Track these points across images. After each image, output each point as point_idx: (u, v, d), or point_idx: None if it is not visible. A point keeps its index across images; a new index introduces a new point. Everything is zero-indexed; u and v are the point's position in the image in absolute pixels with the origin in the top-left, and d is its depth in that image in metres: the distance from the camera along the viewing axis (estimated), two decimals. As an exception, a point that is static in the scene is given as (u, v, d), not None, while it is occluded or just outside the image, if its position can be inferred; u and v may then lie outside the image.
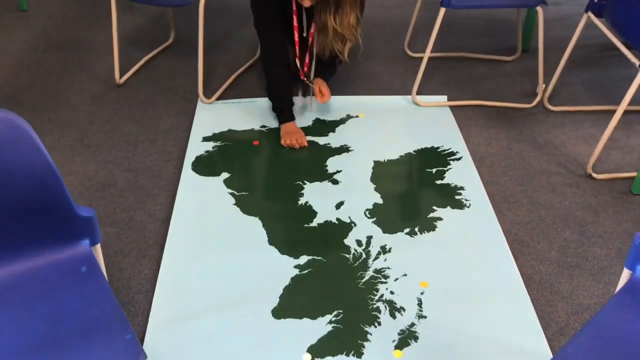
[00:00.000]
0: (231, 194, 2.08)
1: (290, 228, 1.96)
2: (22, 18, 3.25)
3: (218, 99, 2.58)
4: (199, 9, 2.39)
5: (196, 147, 2.30)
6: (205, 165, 2.21)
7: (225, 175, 2.17)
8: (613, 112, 2.14)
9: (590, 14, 2.26)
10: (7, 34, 3.09)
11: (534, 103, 2.54)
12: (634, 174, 2.14)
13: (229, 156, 2.26)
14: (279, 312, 1.67)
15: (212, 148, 2.30)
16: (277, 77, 2.40)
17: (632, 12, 2.04)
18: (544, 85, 2.53)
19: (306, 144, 2.32)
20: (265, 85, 2.46)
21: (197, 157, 2.24)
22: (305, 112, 2.50)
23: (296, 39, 2.37)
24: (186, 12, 3.13)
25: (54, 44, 3.00)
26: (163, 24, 3.11)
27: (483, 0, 2.50)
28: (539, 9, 2.38)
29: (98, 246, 1.32)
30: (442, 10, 2.39)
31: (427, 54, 2.49)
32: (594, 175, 2.17)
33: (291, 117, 2.39)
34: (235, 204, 2.04)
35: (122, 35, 3.02)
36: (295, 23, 2.34)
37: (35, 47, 2.97)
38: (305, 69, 2.43)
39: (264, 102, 2.55)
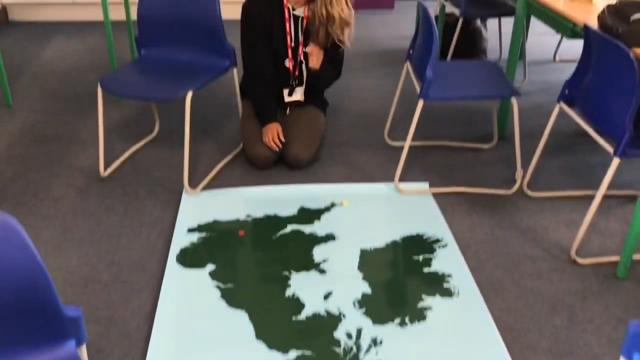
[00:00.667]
0: (217, 286, 2.05)
1: (278, 321, 1.92)
2: (7, 113, 3.28)
3: (203, 189, 2.60)
4: (185, 103, 2.45)
5: (181, 239, 2.28)
6: (190, 258, 2.19)
7: (210, 267, 2.14)
8: (591, 197, 2.20)
9: (562, 103, 2.37)
10: (-8, 128, 3.11)
11: (514, 189, 2.60)
12: (617, 258, 2.17)
13: (215, 247, 2.25)
14: (269, 412, 1.60)
15: (197, 239, 2.28)
16: (261, 88, 2.77)
17: (603, 101, 2.14)
18: (522, 171, 2.60)
19: (282, 139, 2.69)
20: (251, 96, 2.81)
21: (182, 249, 2.22)
22: (290, 199, 2.52)
23: (289, 44, 2.73)
24: (170, 105, 3.21)
25: (39, 138, 3.02)
26: (148, 116, 3.17)
27: (459, 93, 2.60)
28: (513, 100, 2.49)
29: (83, 347, 1.28)
30: (421, 102, 2.48)
31: (408, 142, 2.56)
32: (578, 260, 2.19)
33: (273, 120, 2.74)
34: (221, 297, 2.01)
35: (107, 128, 3.06)
36: (287, 29, 2.70)
37: (19, 141, 2.99)
38: (297, 73, 2.81)
39: (249, 192, 2.57)
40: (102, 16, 3.16)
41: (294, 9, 2.70)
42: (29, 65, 3.95)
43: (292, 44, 2.73)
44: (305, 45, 2.75)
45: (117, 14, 3.82)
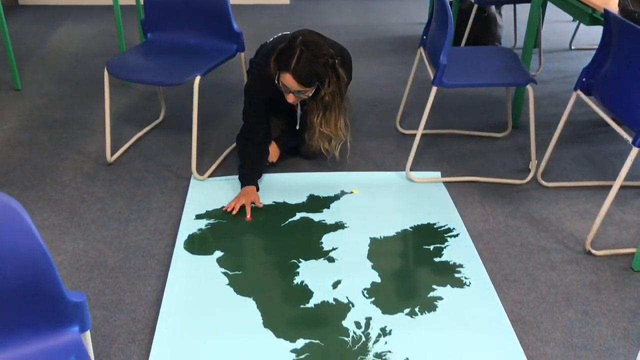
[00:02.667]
0: (224, 273, 2.02)
1: (285, 309, 1.89)
2: (16, 97, 3.26)
3: (211, 175, 2.57)
4: (193, 89, 2.41)
5: (189, 225, 2.25)
6: (197, 244, 2.16)
7: (218, 254, 2.11)
8: (606, 187, 2.14)
9: (579, 92, 2.31)
10: (0, 112, 3.09)
11: (528, 179, 2.54)
12: (633, 250, 2.12)
13: (222, 234, 2.22)
14: (276, 401, 1.57)
15: (205, 226, 2.26)
16: (251, 147, 2.47)
17: (622, 89, 2.08)
18: (536, 161, 2.55)
19: (260, 205, 2.35)
20: (240, 152, 2.51)
21: (189, 236, 2.20)
22: (299, 187, 2.49)
23: (298, 112, 2.48)
24: (176, 90, 3.17)
25: (47, 122, 3.00)
26: (154, 102, 3.13)
27: (474, 80, 2.54)
28: (529, 87, 2.43)
29: (87, 333, 1.25)
30: (434, 89, 2.43)
31: (420, 130, 2.51)
32: (593, 251, 2.14)
33: (252, 184, 2.41)
34: (228, 284, 1.98)
35: (114, 113, 3.04)
36: (295, 109, 2.46)
37: (27, 125, 2.97)
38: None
39: (258, 179, 2.54)
40: (111, 0, 3.13)
41: None
42: (37, 49, 3.93)
43: (299, 113, 2.51)
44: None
45: (126, -2, 3.78)
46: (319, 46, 2.23)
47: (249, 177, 2.43)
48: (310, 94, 2.30)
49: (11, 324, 1.15)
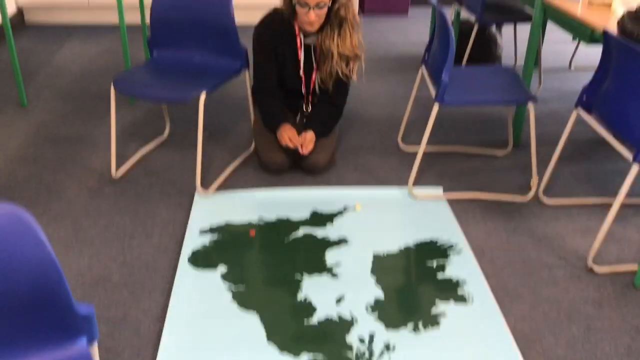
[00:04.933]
0: (228, 288, 2.03)
1: (289, 324, 1.90)
2: (22, 113, 3.29)
3: (215, 191, 2.59)
4: (198, 105, 2.44)
5: (193, 241, 2.27)
6: (202, 259, 2.17)
7: (222, 269, 2.13)
8: (607, 204, 2.16)
9: (579, 109, 2.34)
10: (7, 128, 3.12)
11: (530, 196, 2.56)
12: (634, 267, 2.13)
13: (226, 249, 2.23)
14: (280, 416, 1.58)
15: (209, 241, 2.27)
16: (267, 101, 2.72)
17: (622, 107, 2.11)
18: (537, 178, 2.57)
19: (297, 141, 2.61)
20: (259, 109, 2.77)
21: (193, 251, 2.21)
22: (302, 202, 2.50)
23: (301, 72, 2.68)
24: (180, 107, 3.20)
25: (52, 139, 3.03)
26: (158, 118, 3.17)
27: (475, 98, 2.58)
28: (530, 105, 2.46)
29: (95, 344, 1.26)
30: (436, 106, 2.46)
31: (423, 146, 2.54)
32: (595, 268, 2.16)
33: (283, 122, 2.66)
34: (232, 299, 1.99)
35: (119, 130, 3.07)
36: (299, 57, 2.65)
37: (33, 141, 3.00)
38: (310, 98, 2.80)
39: (261, 194, 2.56)
40: (117, 19, 3.17)
41: (306, 36, 2.64)
42: (43, 67, 3.97)
43: (303, 72, 2.67)
44: (317, 70, 2.69)
45: (132, 17, 3.83)
46: None
47: (279, 119, 2.66)
48: (329, 3, 2.49)
49: (21, 335, 1.17)
